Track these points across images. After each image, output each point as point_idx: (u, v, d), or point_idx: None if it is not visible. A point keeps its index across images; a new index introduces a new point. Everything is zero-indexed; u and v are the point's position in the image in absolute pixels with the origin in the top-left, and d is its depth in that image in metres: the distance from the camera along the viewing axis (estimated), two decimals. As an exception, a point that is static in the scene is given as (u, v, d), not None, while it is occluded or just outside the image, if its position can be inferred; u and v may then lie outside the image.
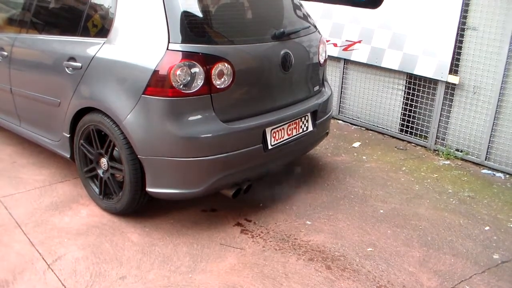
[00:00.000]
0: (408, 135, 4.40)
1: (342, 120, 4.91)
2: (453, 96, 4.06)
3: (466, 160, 4.00)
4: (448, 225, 3.00)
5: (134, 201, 2.79)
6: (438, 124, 4.16)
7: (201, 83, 2.53)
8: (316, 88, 3.35)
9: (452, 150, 4.09)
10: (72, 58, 2.91)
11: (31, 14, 3.40)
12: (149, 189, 2.69)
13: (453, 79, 3.93)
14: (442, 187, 3.53)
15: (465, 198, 3.39)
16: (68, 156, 3.12)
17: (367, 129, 4.71)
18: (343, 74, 4.82)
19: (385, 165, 3.89)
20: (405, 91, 4.37)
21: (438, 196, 3.40)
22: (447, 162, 3.99)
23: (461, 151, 4.05)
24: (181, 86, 2.49)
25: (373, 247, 2.73)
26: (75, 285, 2.34)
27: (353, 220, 3.01)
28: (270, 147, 2.86)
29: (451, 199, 3.36)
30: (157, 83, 2.49)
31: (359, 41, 4.55)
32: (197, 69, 2.51)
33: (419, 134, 4.36)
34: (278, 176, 3.53)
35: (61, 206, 3.05)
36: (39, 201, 3.10)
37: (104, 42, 2.76)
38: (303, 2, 3.50)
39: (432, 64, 4.02)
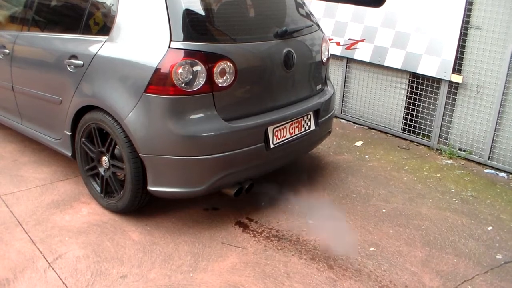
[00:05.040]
0: (410, 134, 4.39)
1: (345, 119, 4.89)
2: (456, 95, 4.04)
3: (469, 160, 3.98)
4: (450, 225, 2.99)
5: (136, 200, 2.78)
6: (441, 123, 4.14)
7: (203, 82, 2.52)
8: (319, 86, 3.34)
9: (455, 150, 4.07)
10: (74, 56, 2.90)
11: (33, 11, 3.39)
12: (150, 188, 2.68)
13: (456, 78, 3.91)
14: (444, 187, 3.51)
15: (468, 197, 3.37)
16: (70, 155, 3.12)
17: (369, 128, 4.69)
18: (345, 72, 4.81)
19: (387, 164, 3.87)
20: (408, 90, 4.35)
21: (440, 195, 3.38)
22: (450, 161, 3.97)
23: (464, 151, 4.03)
24: (183, 84, 2.48)
25: (376, 247, 2.71)
26: (76, 283, 2.33)
27: (355, 219, 3.00)
28: (272, 146, 2.85)
29: (454, 199, 3.34)
30: (159, 81, 2.48)
31: (362, 40, 4.53)
32: (199, 67, 2.50)
33: (422, 133, 4.34)
34: (280, 175, 3.52)
35: (62, 204, 3.04)
36: (40, 199, 3.10)
37: (105, 40, 2.75)
38: (305, 0, 3.48)
39: (435, 63, 4.00)
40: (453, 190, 3.47)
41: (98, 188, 3.01)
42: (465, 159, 3.99)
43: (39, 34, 3.34)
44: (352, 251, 2.66)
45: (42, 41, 3.25)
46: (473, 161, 3.95)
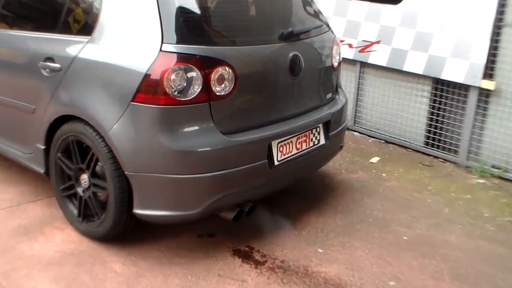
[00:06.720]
0: (435, 149, 4.44)
1: (358, 132, 4.95)
2: (488, 104, 4.08)
3: (504, 179, 4.01)
4: (485, 256, 3.01)
5: (119, 225, 2.81)
6: (471, 137, 4.17)
7: (199, 90, 2.57)
8: (329, 95, 3.40)
9: (487, 167, 4.10)
10: (50, 59, 2.95)
11: (0, 6, 3.44)
12: (137, 211, 2.71)
13: (488, 84, 3.96)
14: (476, 211, 3.55)
15: (505, 223, 3.40)
16: (42, 171, 3.15)
17: (387, 142, 4.75)
18: (359, 79, 4.88)
19: (408, 184, 3.92)
20: (431, 99, 4.41)
21: (472, 220, 3.42)
22: (482, 180, 4.02)
23: (499, 168, 4.07)
24: (176, 92, 2.54)
25: (397, 281, 2.75)
26: (48, 324, 2.35)
27: (372, 248, 3.04)
28: (276, 163, 2.90)
29: (488, 225, 3.37)
30: (149, 89, 2.53)
31: (378, 42, 4.61)
32: (194, 73, 2.55)
33: (448, 148, 4.39)
34: (286, 197, 3.56)
35: (31, 230, 3.05)
36: (5, 224, 3.10)
37: (87, 41, 2.81)
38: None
39: (463, 67, 4.06)
40: (486, 215, 3.51)
41: (75, 211, 3.03)
42: (499, 177, 4.03)
43: (8, 31, 3.39)
44: (369, 285, 2.70)
45: (12, 41, 3.30)
46: (510, 180, 3.99)
